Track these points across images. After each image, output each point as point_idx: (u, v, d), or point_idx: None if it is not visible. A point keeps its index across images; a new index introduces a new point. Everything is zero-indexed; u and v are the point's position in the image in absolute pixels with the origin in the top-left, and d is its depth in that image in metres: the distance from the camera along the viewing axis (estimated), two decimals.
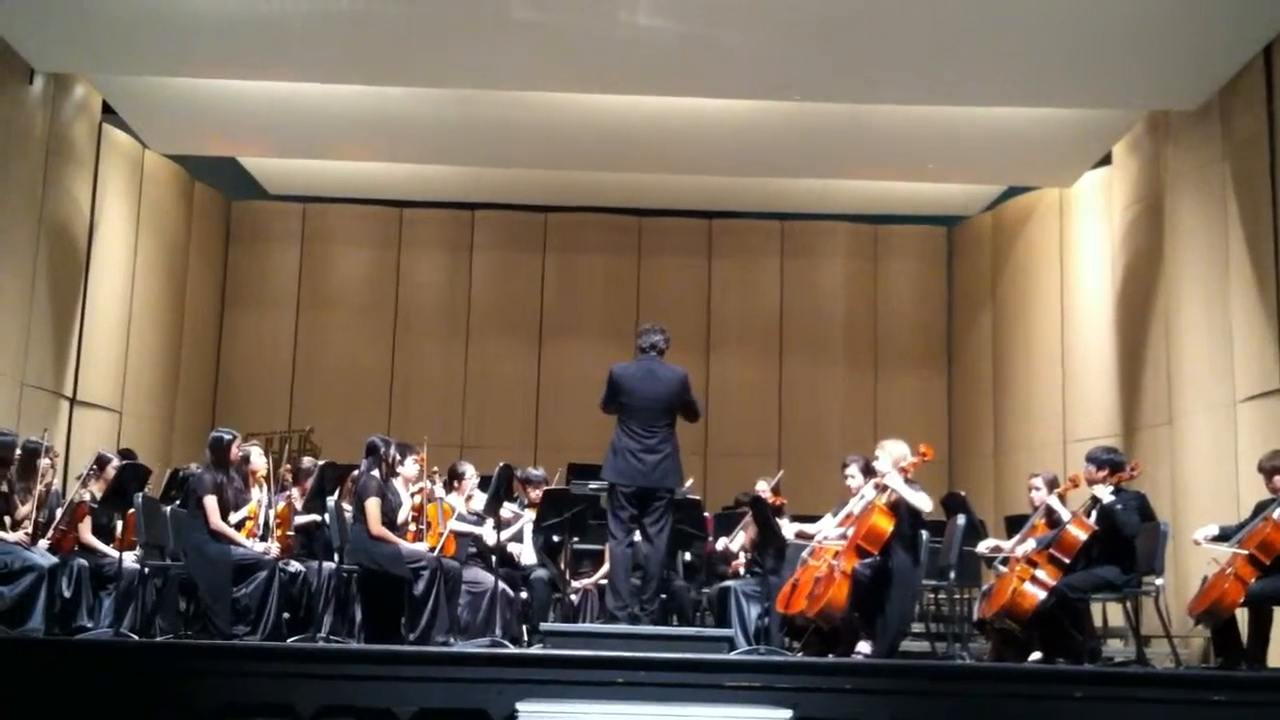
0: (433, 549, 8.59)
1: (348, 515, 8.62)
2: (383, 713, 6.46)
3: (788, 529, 8.92)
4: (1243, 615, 7.71)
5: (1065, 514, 8.34)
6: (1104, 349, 12.41)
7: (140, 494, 8.45)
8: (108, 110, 12.07)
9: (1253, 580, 7.51)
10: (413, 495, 8.76)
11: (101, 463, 8.99)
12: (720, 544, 9.75)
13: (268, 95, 11.59)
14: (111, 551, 8.62)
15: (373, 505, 8.31)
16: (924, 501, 8.03)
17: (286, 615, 8.41)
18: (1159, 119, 11.57)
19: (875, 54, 10.37)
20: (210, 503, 8.24)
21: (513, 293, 14.93)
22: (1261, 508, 7.80)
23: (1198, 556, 8.57)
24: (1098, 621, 9.37)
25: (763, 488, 9.68)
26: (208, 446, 8.63)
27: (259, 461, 8.99)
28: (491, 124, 12.12)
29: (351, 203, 14.89)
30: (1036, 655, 8.03)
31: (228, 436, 8.61)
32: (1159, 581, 8.10)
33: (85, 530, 8.72)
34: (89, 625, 8.31)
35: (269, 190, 14.68)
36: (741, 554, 9.61)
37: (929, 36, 10.02)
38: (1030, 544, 8.37)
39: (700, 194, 14.37)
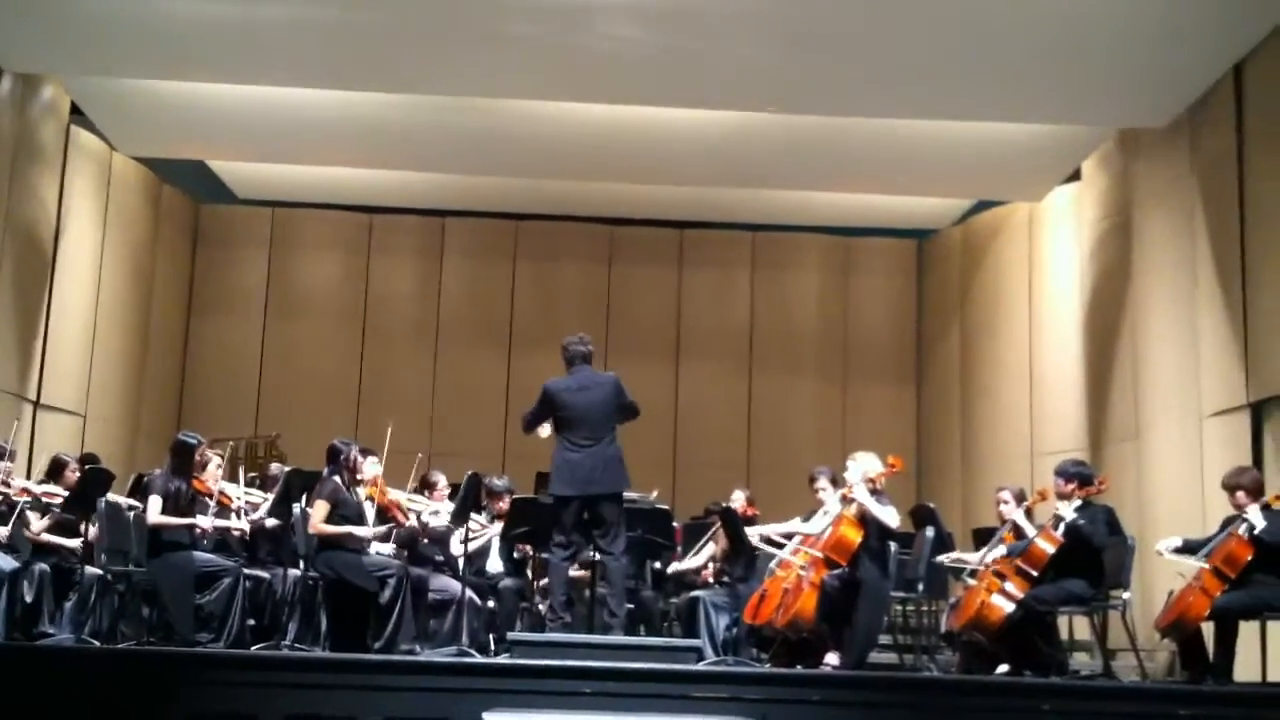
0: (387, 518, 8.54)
1: None
2: None
3: (751, 533, 8.90)
4: (1209, 629, 7.74)
5: (1031, 530, 8.36)
6: (1072, 363, 12.47)
7: (103, 499, 8.37)
8: (76, 112, 11.97)
9: (1218, 594, 7.56)
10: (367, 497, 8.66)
11: (58, 466, 8.89)
12: (671, 568, 9.73)
13: (237, 98, 11.52)
14: (72, 544, 8.49)
15: (320, 507, 8.22)
16: (891, 516, 8.05)
17: (251, 622, 8.33)
18: (1129, 135, 11.64)
19: (849, 68, 10.41)
20: (154, 501, 8.13)
21: (483, 301, 14.89)
22: (1228, 523, 7.85)
23: (1164, 570, 8.62)
24: (1064, 634, 9.39)
25: (739, 498, 9.67)
26: (170, 450, 8.54)
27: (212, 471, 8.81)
28: (464, 131, 12.09)
29: (321, 208, 14.81)
30: (1004, 668, 8.04)
31: (192, 441, 8.52)
32: (1126, 595, 8.14)
33: (41, 529, 8.59)
34: (51, 631, 8.20)
35: (238, 194, 14.59)
36: (710, 564, 9.59)
37: (903, 51, 10.05)
38: (1000, 550, 8.39)
39: (672, 204, 14.37)
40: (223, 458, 9.03)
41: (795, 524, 8.80)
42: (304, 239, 14.90)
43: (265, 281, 14.76)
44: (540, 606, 9.18)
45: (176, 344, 14.37)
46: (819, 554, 8.01)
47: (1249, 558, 7.54)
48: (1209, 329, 10.24)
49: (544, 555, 9.17)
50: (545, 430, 8.03)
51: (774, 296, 15.04)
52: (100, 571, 8.36)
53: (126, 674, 6.65)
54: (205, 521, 8.32)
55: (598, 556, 8.06)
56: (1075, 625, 9.91)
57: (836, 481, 8.49)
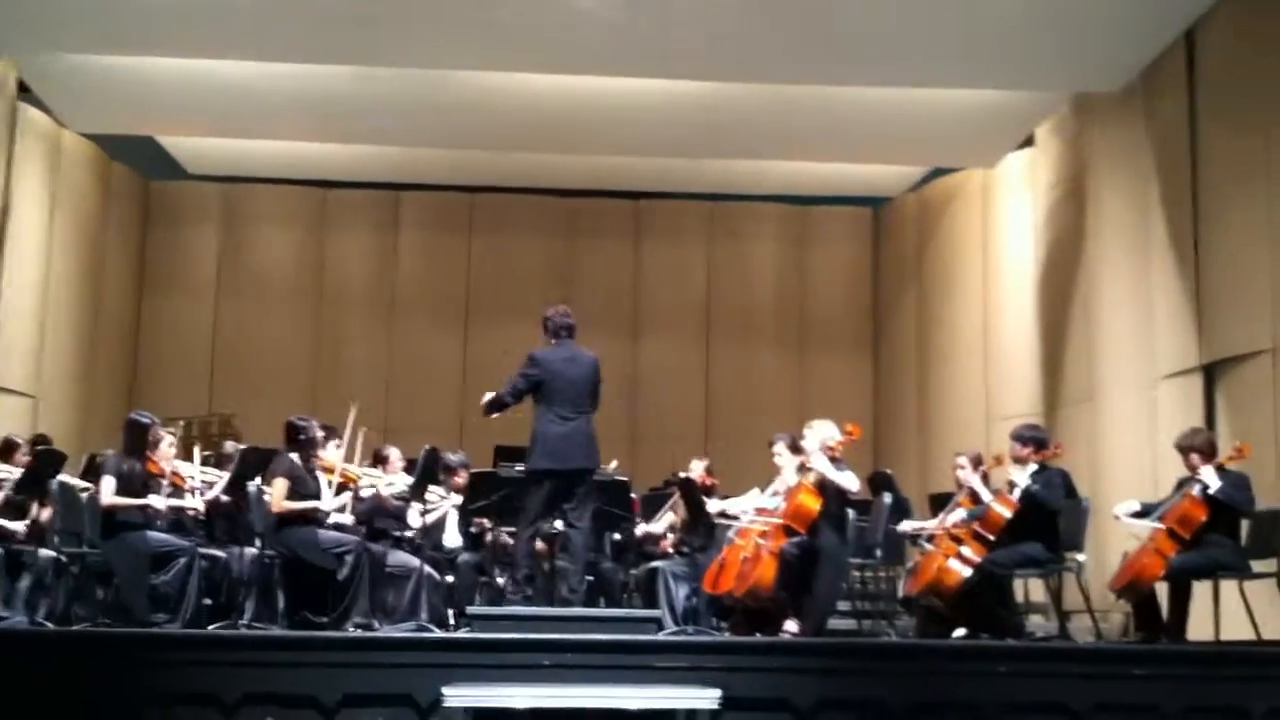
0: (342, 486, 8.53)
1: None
2: (308, 699, 6.39)
3: (714, 506, 8.92)
4: (1163, 590, 7.82)
5: (988, 495, 8.42)
6: (1027, 328, 12.54)
7: (56, 480, 8.28)
8: (23, 89, 11.80)
9: (1173, 555, 7.64)
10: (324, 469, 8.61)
11: (9, 447, 8.79)
12: (640, 530, 9.72)
13: (187, 73, 11.38)
14: (16, 526, 8.40)
15: (279, 485, 8.16)
16: (851, 481, 8.06)
17: (208, 602, 8.26)
18: (1082, 101, 11.68)
19: (805, 37, 10.38)
20: (108, 482, 8.05)
21: (440, 275, 14.82)
22: (1181, 484, 7.92)
23: (1118, 532, 8.70)
24: (1020, 597, 9.46)
25: (697, 467, 9.68)
26: (123, 429, 8.45)
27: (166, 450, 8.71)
28: (418, 104, 12.00)
29: (274, 183, 14.67)
30: (961, 631, 8.11)
31: (145, 420, 8.43)
32: (1081, 557, 8.22)
33: None
34: (4, 614, 8.11)
35: (189, 170, 14.43)
36: (669, 534, 9.60)
37: (857, 19, 10.05)
38: (959, 514, 8.43)
39: (629, 175, 14.33)
40: (176, 437, 8.94)
41: (754, 494, 8.82)
42: (257, 214, 14.78)
43: (218, 258, 14.65)
44: (500, 580, 9.17)
45: (128, 322, 14.23)
46: (778, 522, 8.03)
47: (1203, 518, 7.61)
48: (1162, 293, 10.32)
49: (504, 529, 9.17)
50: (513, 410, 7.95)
51: (731, 266, 15.05)
52: (54, 553, 8.27)
53: (82, 656, 6.58)
54: (159, 502, 8.24)
55: (559, 528, 8.04)
56: (1030, 588, 9.98)
57: (795, 448, 8.49)
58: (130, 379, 14.20)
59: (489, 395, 7.99)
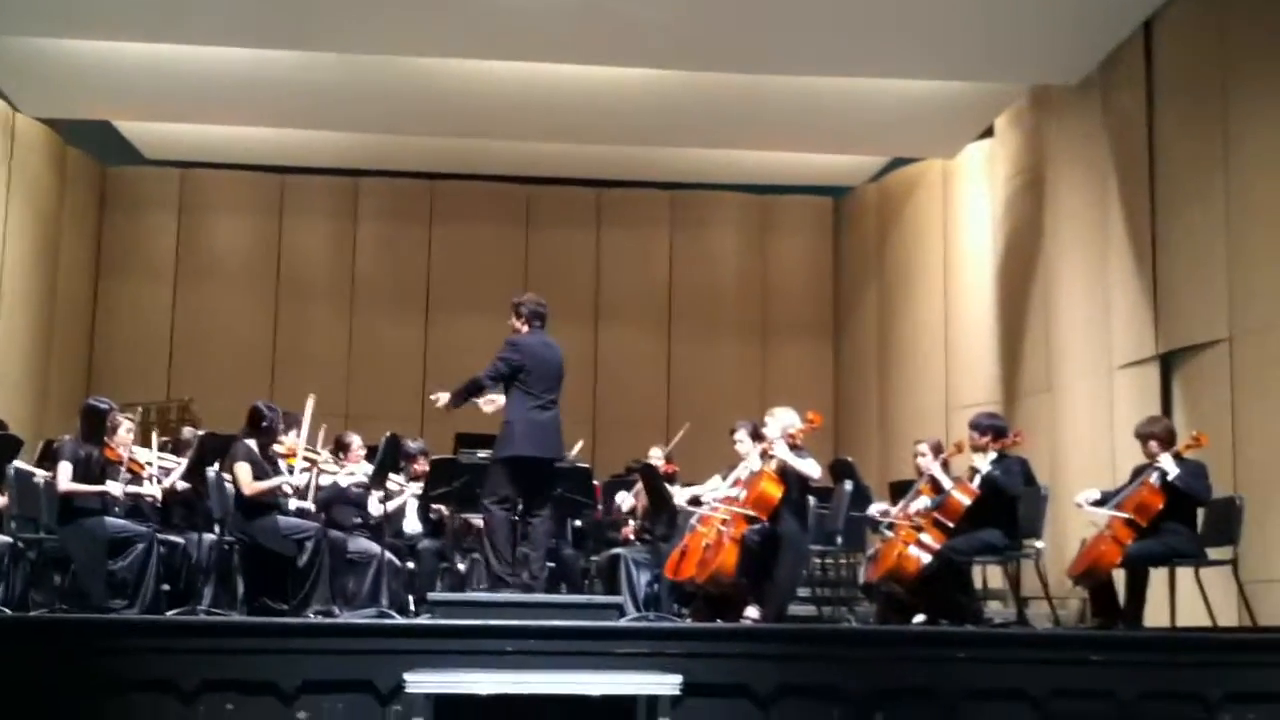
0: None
1: (229, 487, 8.42)
2: (267, 685, 6.35)
3: (679, 494, 8.93)
4: (1120, 576, 7.89)
5: (948, 483, 8.47)
6: (986, 318, 12.62)
7: (12, 466, 8.19)
8: None
9: (1130, 542, 7.71)
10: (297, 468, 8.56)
11: None
12: (620, 497, 9.71)
13: (144, 57, 11.27)
14: None
15: (242, 469, 8.11)
16: (813, 468, 8.08)
17: (166, 588, 8.20)
18: (1040, 92, 11.76)
19: (765, 25, 10.38)
20: (65, 468, 7.98)
21: (399, 262, 14.75)
22: (1139, 472, 7.99)
23: (1076, 519, 8.78)
24: (979, 583, 9.54)
25: (656, 455, 9.69)
26: (80, 415, 8.37)
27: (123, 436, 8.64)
28: (377, 89, 11.93)
29: (232, 169, 14.55)
30: (920, 617, 8.15)
31: (103, 406, 8.35)
32: (1039, 544, 8.28)
33: None
34: None
35: (145, 155, 14.30)
36: (631, 521, 9.61)
37: (818, 8, 10.08)
38: (923, 501, 8.47)
39: (589, 163, 14.30)
40: (135, 422, 8.86)
41: (716, 482, 8.83)
42: (214, 201, 14.64)
43: (175, 244, 14.51)
44: (460, 565, 9.16)
45: (85, 308, 14.08)
46: (740, 510, 8.04)
47: (1160, 506, 7.68)
48: (1119, 282, 10.40)
49: (464, 515, 9.15)
50: (487, 397, 7.91)
51: (692, 255, 15.05)
52: (10, 539, 8.19)
53: (39, 642, 6.52)
54: (116, 488, 8.17)
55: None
56: (989, 574, 10.07)
57: (757, 435, 8.50)
58: (87, 365, 14.07)
59: (452, 390, 7.85)
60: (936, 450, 8.89)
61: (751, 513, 7.95)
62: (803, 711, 6.50)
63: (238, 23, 10.44)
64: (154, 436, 9.02)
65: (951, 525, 8.15)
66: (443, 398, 7.89)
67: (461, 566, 9.24)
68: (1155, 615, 7.91)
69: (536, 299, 8.05)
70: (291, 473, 8.49)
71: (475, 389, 7.83)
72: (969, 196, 13.17)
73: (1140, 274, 10.13)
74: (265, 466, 8.24)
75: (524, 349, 7.79)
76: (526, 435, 7.70)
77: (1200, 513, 7.93)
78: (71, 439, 8.23)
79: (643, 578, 8.87)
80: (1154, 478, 7.77)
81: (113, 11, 10.18)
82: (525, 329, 7.92)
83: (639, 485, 9.42)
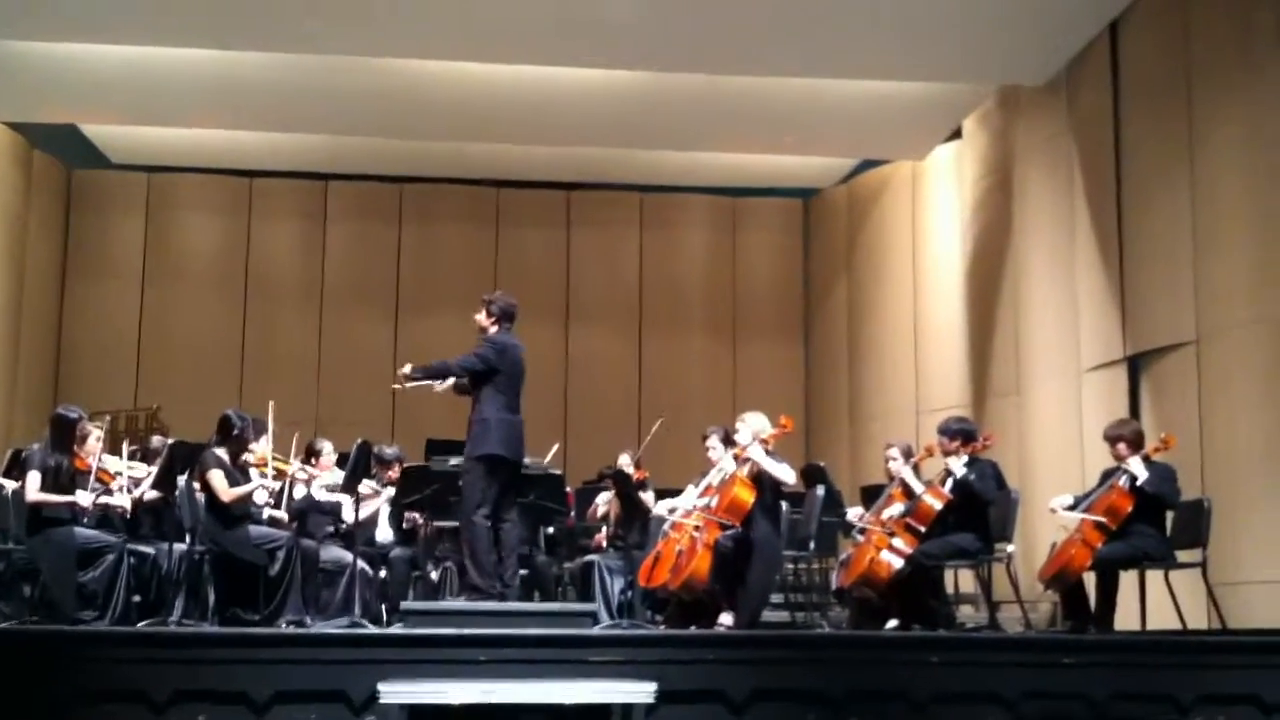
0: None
1: (199, 496, 8.36)
2: (239, 696, 6.30)
3: (658, 506, 8.90)
4: (1090, 580, 7.94)
5: (919, 487, 8.48)
6: (955, 320, 12.66)
7: None
8: None
9: (1100, 545, 7.74)
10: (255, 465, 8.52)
11: None
12: (599, 497, 9.69)
13: (110, 59, 11.20)
14: None
15: (216, 476, 8.06)
16: (787, 473, 8.07)
17: (137, 599, 8.15)
18: (1008, 93, 11.81)
19: (732, 27, 10.40)
20: (33, 477, 7.91)
21: (368, 265, 14.70)
22: (1108, 475, 8.03)
23: (1047, 523, 8.81)
24: (950, 588, 9.57)
25: (625, 461, 9.68)
26: (49, 424, 8.30)
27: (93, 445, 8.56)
28: (345, 91, 11.89)
29: (199, 172, 14.48)
30: (893, 622, 8.17)
31: (72, 415, 8.27)
32: (1010, 548, 8.31)
33: None
34: None
35: (112, 159, 14.21)
36: (604, 528, 9.60)
37: (785, 10, 10.08)
38: (897, 508, 8.48)
39: (559, 165, 14.30)
40: (103, 431, 8.79)
41: (690, 491, 8.80)
42: (182, 204, 14.56)
43: (143, 249, 14.42)
44: (433, 574, 9.12)
45: (52, 315, 13.98)
46: (713, 516, 8.04)
47: (1129, 509, 7.73)
48: (1086, 285, 10.46)
49: (437, 523, 9.10)
50: (444, 385, 7.88)
51: (662, 257, 15.07)
52: None
53: (8, 654, 6.46)
54: (86, 498, 8.10)
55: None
56: (960, 578, 10.10)
57: (729, 441, 8.50)
58: (54, 372, 13.96)
59: (420, 366, 7.85)
60: (907, 454, 8.89)
61: (724, 519, 7.96)
62: (777, 716, 6.49)
63: (201, 25, 10.38)
64: (124, 446, 8.96)
65: (923, 529, 8.17)
66: (406, 368, 7.86)
67: (434, 575, 9.20)
68: (1125, 618, 7.96)
69: (508, 298, 8.02)
70: (266, 478, 8.46)
71: (442, 374, 7.82)
72: (938, 198, 13.22)
73: (1108, 275, 10.19)
74: (237, 475, 8.19)
75: (507, 352, 7.80)
76: (499, 437, 7.71)
77: (1169, 515, 7.98)
78: (40, 448, 8.16)
79: (616, 585, 8.87)
80: (1123, 480, 7.81)
81: (78, 14, 10.09)
82: (494, 328, 7.90)
83: (610, 493, 9.41)
